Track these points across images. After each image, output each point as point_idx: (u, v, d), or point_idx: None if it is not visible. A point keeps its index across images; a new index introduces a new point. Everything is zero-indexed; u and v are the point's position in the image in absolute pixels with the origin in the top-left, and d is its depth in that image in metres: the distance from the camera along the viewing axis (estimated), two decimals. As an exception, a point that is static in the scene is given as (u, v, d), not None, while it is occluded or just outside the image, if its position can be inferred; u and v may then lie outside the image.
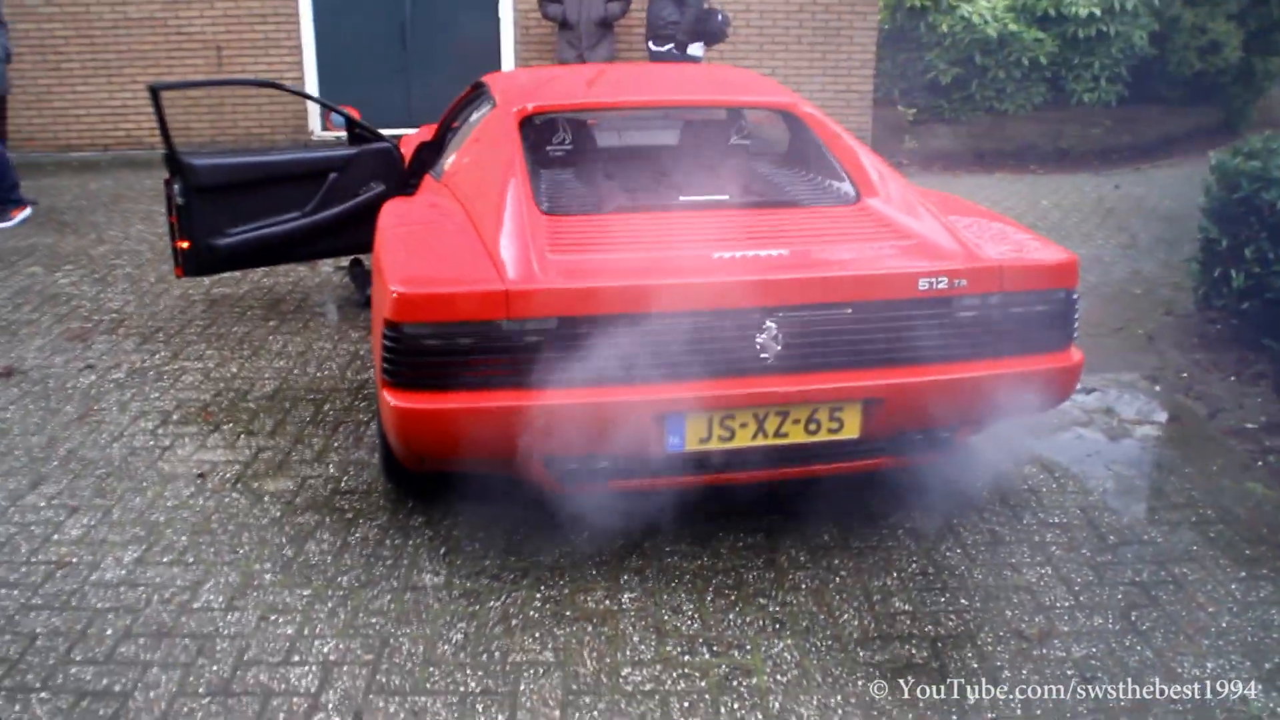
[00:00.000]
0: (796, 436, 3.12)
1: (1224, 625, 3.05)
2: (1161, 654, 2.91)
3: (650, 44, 8.32)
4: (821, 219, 3.46)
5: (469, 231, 3.31)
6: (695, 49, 8.14)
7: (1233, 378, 4.84)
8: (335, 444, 4.00)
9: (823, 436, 3.13)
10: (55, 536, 3.35)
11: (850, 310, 3.06)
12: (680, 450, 3.05)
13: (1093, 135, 10.00)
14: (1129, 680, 2.80)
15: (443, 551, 3.31)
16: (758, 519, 3.54)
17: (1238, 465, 4.03)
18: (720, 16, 8.03)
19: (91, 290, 5.77)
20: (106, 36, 9.11)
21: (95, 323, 5.26)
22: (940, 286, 3.10)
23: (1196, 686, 2.79)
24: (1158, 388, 4.74)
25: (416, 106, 9.09)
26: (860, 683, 2.77)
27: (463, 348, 2.90)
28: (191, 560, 3.22)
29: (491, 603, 3.06)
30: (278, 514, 3.50)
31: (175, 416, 4.21)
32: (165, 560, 3.22)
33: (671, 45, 8.06)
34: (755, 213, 3.49)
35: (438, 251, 3.22)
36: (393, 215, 3.65)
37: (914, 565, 3.31)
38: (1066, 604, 3.14)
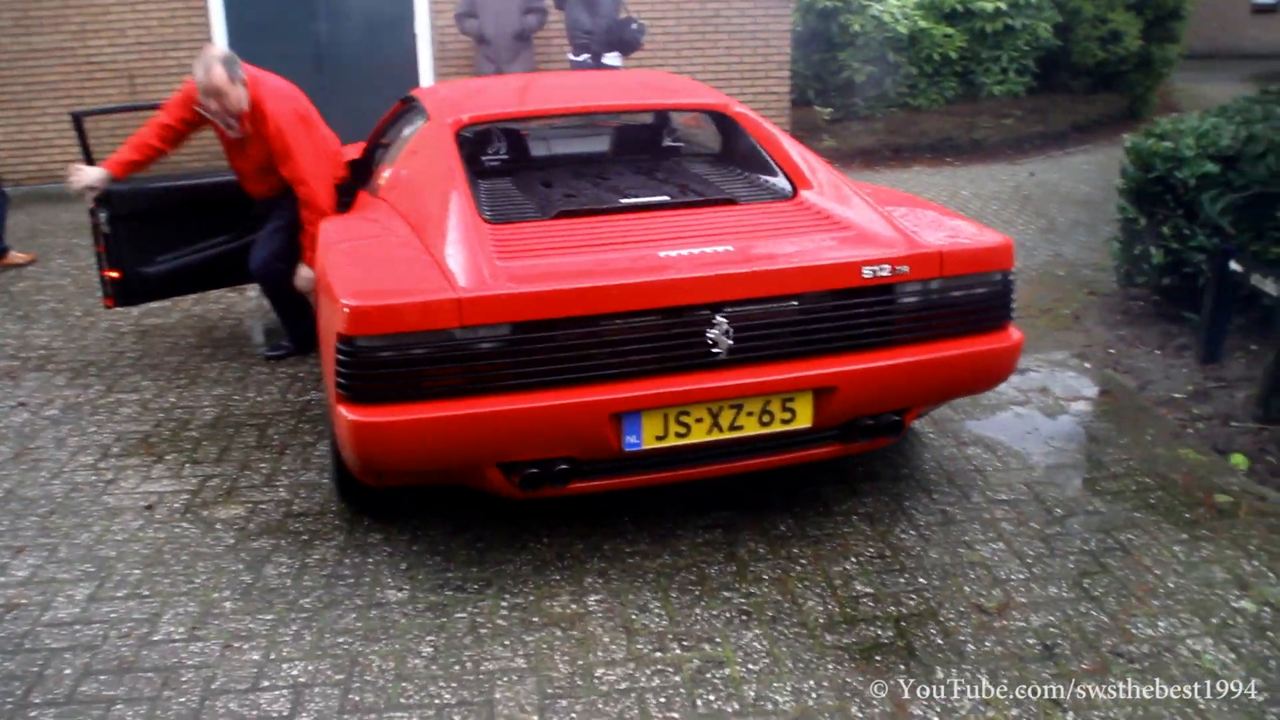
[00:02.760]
0: (751, 429, 3.16)
1: (1171, 586, 3.16)
2: (1115, 617, 3.01)
3: (569, 54, 8.34)
4: (761, 214, 3.51)
5: (414, 243, 3.30)
6: (611, 58, 8.18)
7: (1157, 351, 5.00)
8: (283, 467, 3.95)
9: (776, 428, 3.18)
10: (1, 579, 3.26)
11: (797, 302, 3.12)
12: (638, 449, 3.07)
13: (1005, 126, 10.26)
14: (1087, 645, 2.89)
15: (404, 567, 3.29)
16: (715, 514, 3.57)
17: (1169, 433, 4.17)
18: (635, 25, 8.08)
19: (16, 328, 5.61)
20: (14, 68, 8.87)
21: (23, 360, 5.12)
22: (883, 274, 3.17)
23: (1150, 646, 2.88)
24: (1088, 364, 4.88)
25: (337, 128, 8.91)
26: (831, 666, 2.81)
27: (417, 358, 2.89)
28: (147, 593, 3.16)
29: (458, 614, 3.05)
30: (231, 541, 3.45)
31: (115, 450, 4.12)
32: (120, 595, 3.15)
33: (588, 55, 8.09)
34: (696, 211, 3.53)
35: (385, 264, 3.21)
36: (334, 232, 3.62)
37: (871, 549, 3.37)
38: (1021, 576, 3.22)
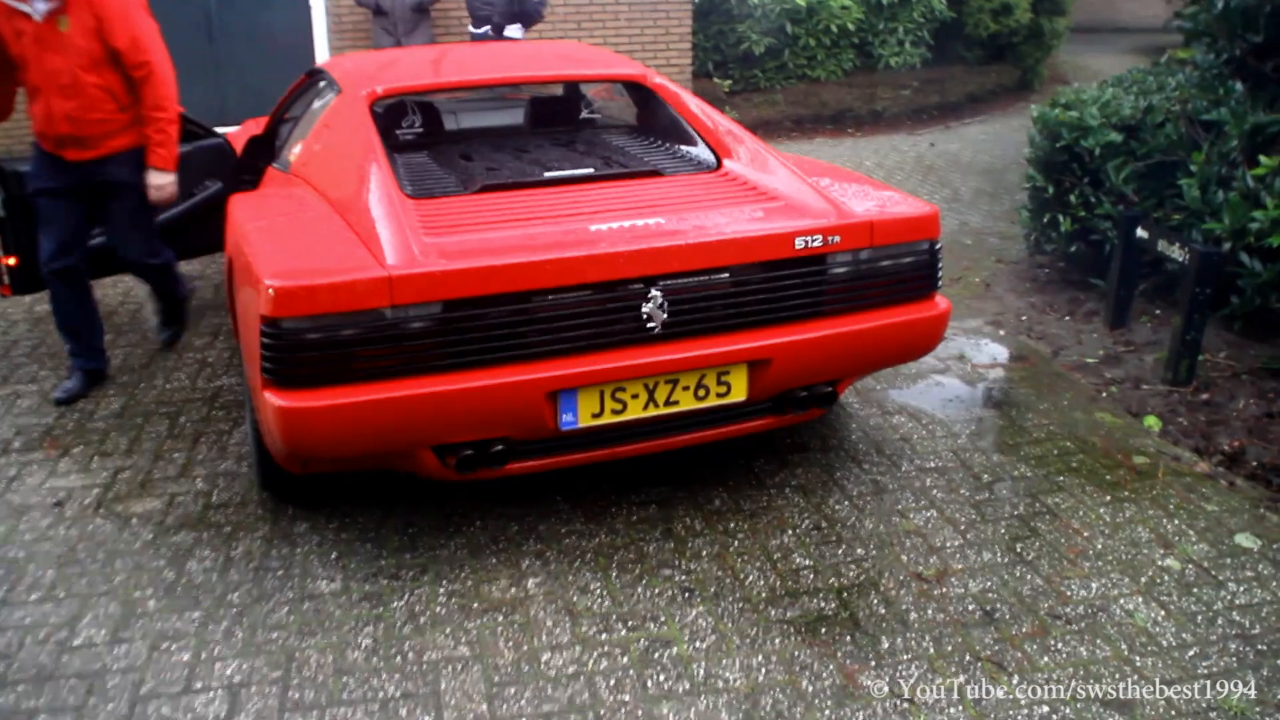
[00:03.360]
0: (687, 403, 3.13)
1: (1100, 547, 3.23)
2: (1050, 580, 3.07)
3: (470, 26, 8.16)
4: (688, 186, 3.47)
5: (334, 220, 3.17)
6: (513, 30, 8.03)
7: (1067, 317, 5.12)
8: (199, 457, 3.79)
9: (711, 401, 3.15)
10: (-103, 585, 3.06)
11: (730, 274, 3.09)
12: (574, 427, 3.02)
13: (903, 97, 10.40)
14: (1025, 609, 2.94)
15: (334, 556, 3.18)
16: (649, 490, 3.54)
17: (1085, 398, 4.28)
18: (536, -5, 7.95)
19: (-109, 318, 5.28)
20: None
21: (-98, 352, 4.82)
22: (815, 245, 3.16)
23: (1084, 607, 2.95)
24: (1002, 332, 4.97)
25: (231, 104, 8.66)
26: (777, 640, 2.81)
27: (347, 340, 2.78)
28: (63, 595, 2.99)
29: (395, 603, 2.96)
30: (150, 536, 3.29)
31: (17, 445, 3.90)
32: (33, 598, 2.98)
33: (488, 28, 7.93)
34: (622, 184, 3.47)
35: (308, 242, 3.06)
36: (247, 209, 3.46)
37: (806, 521, 3.38)
38: (956, 543, 3.26)
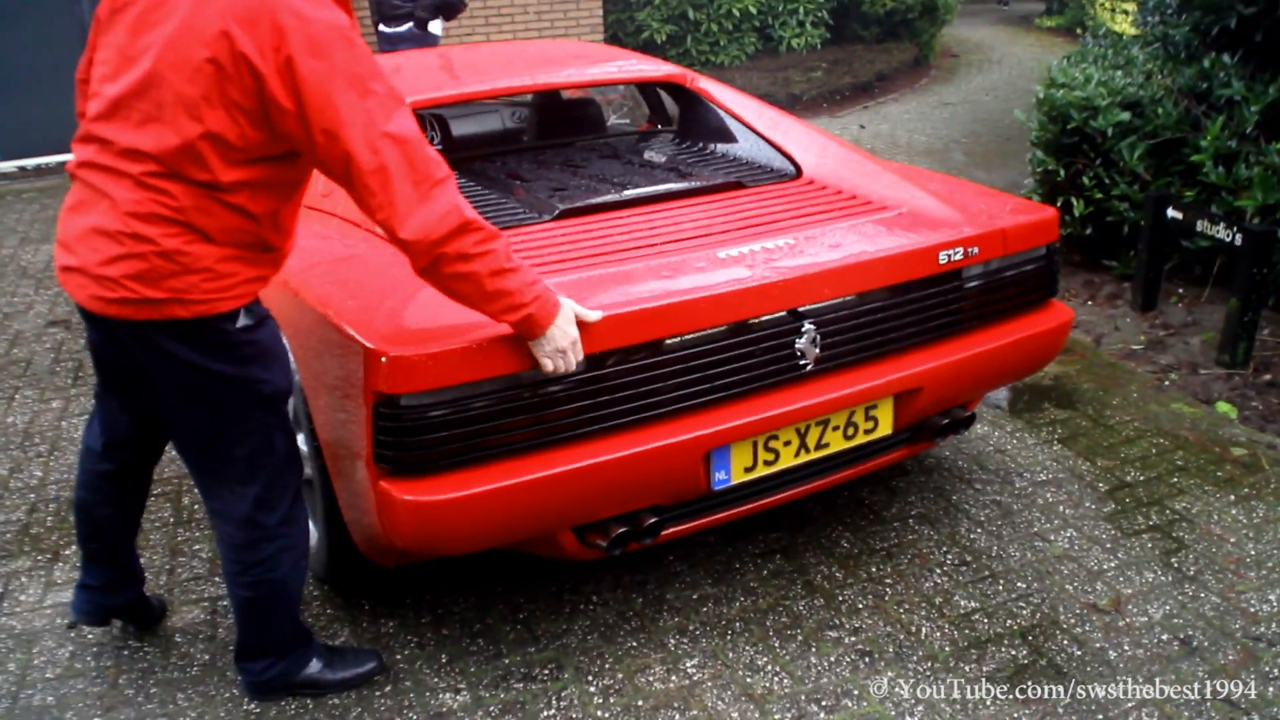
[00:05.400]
0: (836, 444, 2.79)
1: (1255, 553, 3.06)
2: (1226, 596, 2.87)
3: (381, 27, 7.55)
4: (784, 199, 3.12)
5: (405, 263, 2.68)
6: (435, 26, 7.48)
7: (1089, 301, 4.99)
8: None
9: (859, 439, 2.83)
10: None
11: (883, 296, 2.76)
12: (727, 485, 2.64)
13: (815, 79, 10.24)
14: (1220, 633, 2.71)
15: (445, 660, 2.72)
16: (766, 537, 3.19)
17: (1151, 388, 4.12)
18: (456, -13, 7.42)
19: None
20: None
21: None
22: (957, 258, 2.86)
23: (1277, 623, 2.75)
24: (1029, 321, 4.79)
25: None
26: (989, 702, 2.50)
27: (480, 414, 2.33)
28: (137, 750, 2.45)
29: (544, 711, 2.53)
30: (206, 657, 2.75)
31: (-5, 553, 3.26)
32: (99, 758, 2.43)
33: (411, 24, 7.36)
34: (711, 201, 3.10)
35: (394, 293, 2.55)
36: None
37: (949, 556, 3.09)
38: (1112, 564, 3.03)
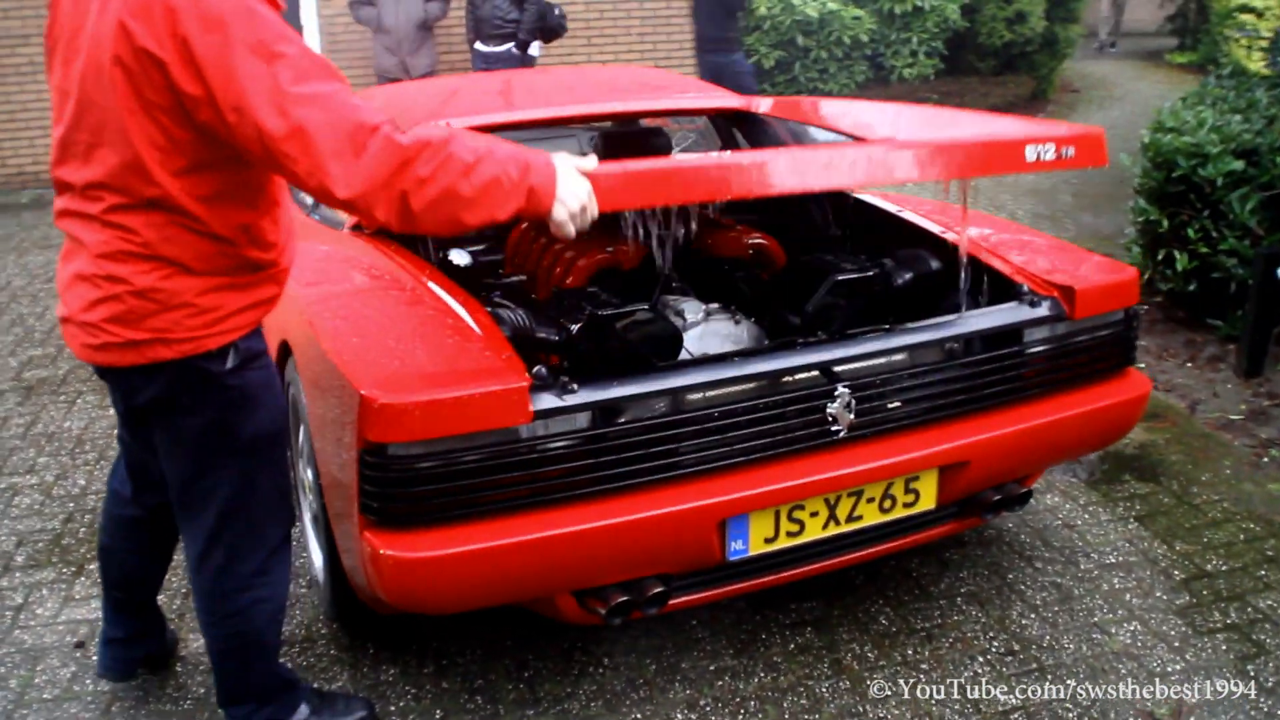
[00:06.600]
0: (870, 518, 2.57)
1: (1352, 669, 2.72)
2: (1314, 720, 2.55)
3: (478, 45, 7.58)
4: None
5: (431, 300, 2.57)
6: (535, 48, 7.47)
7: (1188, 364, 4.63)
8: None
9: (897, 514, 2.61)
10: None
11: (929, 359, 2.55)
12: (744, 555, 2.45)
13: (924, 111, 9.92)
14: (1301, 763, 2.42)
15: (438, 717, 2.59)
16: (800, 608, 2.98)
17: (1246, 464, 3.78)
18: (557, 10, 7.41)
19: None
20: None
21: (-128, 439, 4.14)
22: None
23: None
24: (1121, 382, 4.46)
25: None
26: (1020, 823, 2.26)
27: (471, 468, 2.19)
28: (109, 791, 2.38)
29: (532, 782, 2.38)
30: (202, 692, 2.67)
31: (20, 559, 3.26)
32: (71, 796, 2.36)
33: (511, 45, 7.36)
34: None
35: (404, 334, 2.44)
36: (303, 273, 2.78)
37: (995, 643, 2.83)
38: (1177, 667, 2.73)
